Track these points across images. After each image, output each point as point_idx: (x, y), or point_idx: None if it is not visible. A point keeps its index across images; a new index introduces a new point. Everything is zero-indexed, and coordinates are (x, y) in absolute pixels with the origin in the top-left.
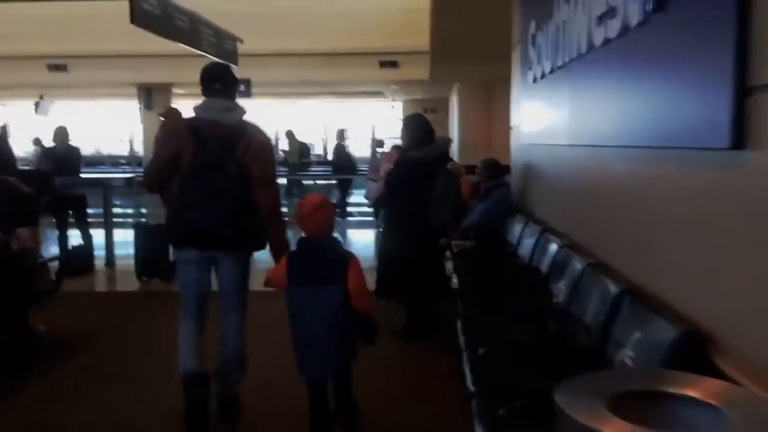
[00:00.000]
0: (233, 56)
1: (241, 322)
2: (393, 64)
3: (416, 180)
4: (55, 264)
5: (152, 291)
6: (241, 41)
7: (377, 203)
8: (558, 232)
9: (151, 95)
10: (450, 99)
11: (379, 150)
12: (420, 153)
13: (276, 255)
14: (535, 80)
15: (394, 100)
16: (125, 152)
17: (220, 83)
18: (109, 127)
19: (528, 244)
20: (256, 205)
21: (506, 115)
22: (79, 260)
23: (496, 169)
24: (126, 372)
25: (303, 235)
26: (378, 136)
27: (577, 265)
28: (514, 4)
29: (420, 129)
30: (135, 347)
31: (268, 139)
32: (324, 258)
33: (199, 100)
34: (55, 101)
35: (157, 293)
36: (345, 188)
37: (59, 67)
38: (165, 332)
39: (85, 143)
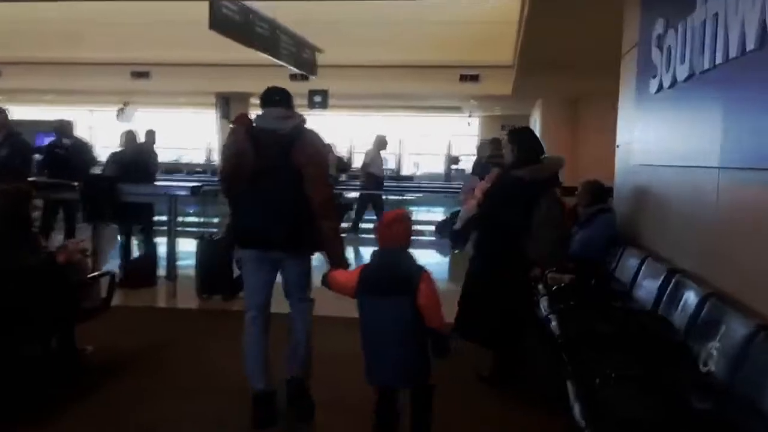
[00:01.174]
0: (312, 66)
1: (308, 310)
2: (474, 78)
3: (516, 203)
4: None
5: (211, 309)
6: (321, 51)
7: (469, 226)
8: (692, 275)
9: (229, 104)
10: (531, 116)
11: (453, 167)
12: (525, 172)
13: (329, 251)
14: (660, 89)
15: (471, 116)
16: (202, 161)
17: (278, 96)
18: (189, 136)
19: (649, 286)
20: (310, 205)
21: (592, 133)
22: (140, 272)
23: (600, 192)
24: (174, 394)
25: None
26: (453, 153)
27: (738, 327)
28: (630, 2)
29: (528, 145)
30: (187, 369)
31: (322, 142)
32: (393, 269)
33: None
34: (138, 108)
35: (215, 312)
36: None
37: (142, 75)
38: (220, 354)
39: (165, 151)
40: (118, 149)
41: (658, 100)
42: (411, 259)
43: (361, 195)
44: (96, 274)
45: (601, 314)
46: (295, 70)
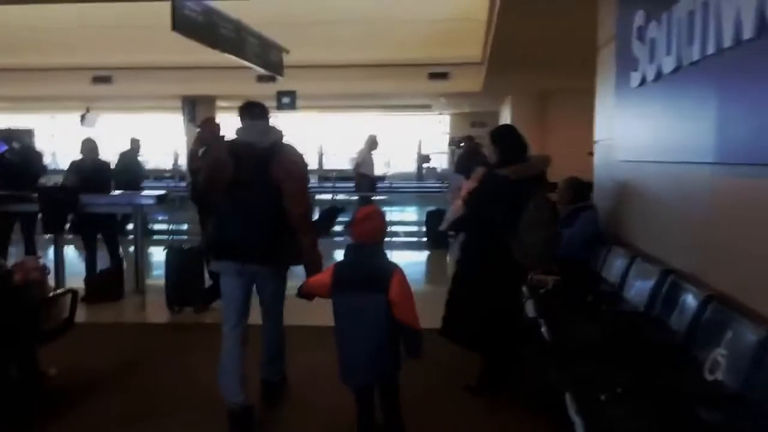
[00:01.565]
0: (279, 67)
1: (280, 320)
2: (443, 76)
3: (502, 203)
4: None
5: (182, 324)
6: (287, 52)
7: (455, 226)
8: (686, 275)
9: (195, 108)
10: (500, 112)
11: (424, 165)
12: (510, 172)
13: (307, 264)
14: (643, 83)
15: (441, 114)
16: (170, 166)
17: (258, 109)
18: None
19: (641, 287)
20: (289, 221)
21: (563, 130)
22: (105, 287)
23: (582, 189)
24: (146, 417)
25: (351, 242)
26: (424, 151)
27: (747, 333)
28: None
29: (511, 143)
30: (159, 389)
31: (300, 158)
32: (367, 266)
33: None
34: (101, 114)
35: (187, 326)
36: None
37: (104, 79)
38: (194, 371)
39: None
40: (78, 158)
41: (641, 94)
42: (383, 256)
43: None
44: (57, 292)
45: (592, 318)
46: (262, 72)
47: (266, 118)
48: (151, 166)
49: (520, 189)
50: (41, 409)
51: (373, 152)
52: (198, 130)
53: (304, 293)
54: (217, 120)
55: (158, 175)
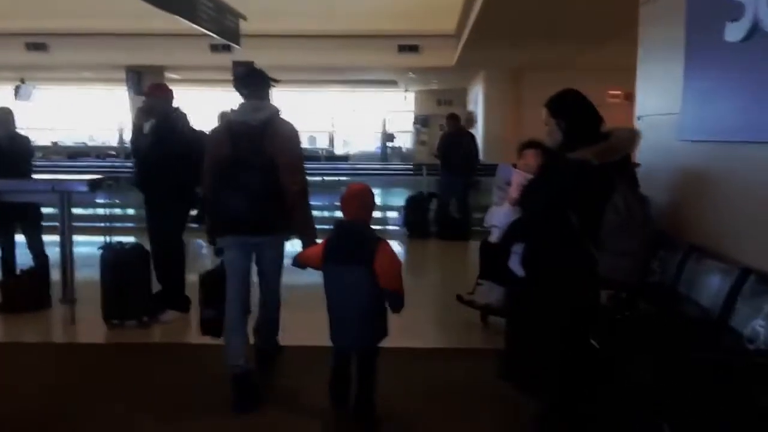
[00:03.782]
0: (235, 35)
1: (277, 290)
2: (413, 49)
3: (577, 200)
4: None
5: (124, 344)
6: (245, 18)
7: (512, 236)
8: None
9: (141, 79)
10: (470, 90)
11: (389, 144)
12: (593, 155)
13: (302, 236)
14: (750, 35)
15: (407, 91)
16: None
17: (246, 89)
18: (99, 115)
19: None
20: (285, 192)
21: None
22: (26, 292)
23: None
24: None
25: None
26: (389, 130)
27: None
28: None
29: (586, 113)
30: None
31: (293, 131)
32: (355, 239)
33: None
34: (37, 86)
35: (130, 347)
36: None
37: (38, 46)
38: (135, 408)
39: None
40: None
41: (744, 52)
42: (370, 230)
43: None
44: None
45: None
46: (216, 39)
47: (259, 94)
48: (96, 143)
49: (604, 178)
50: None
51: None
52: (144, 98)
53: (299, 263)
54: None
55: (100, 153)
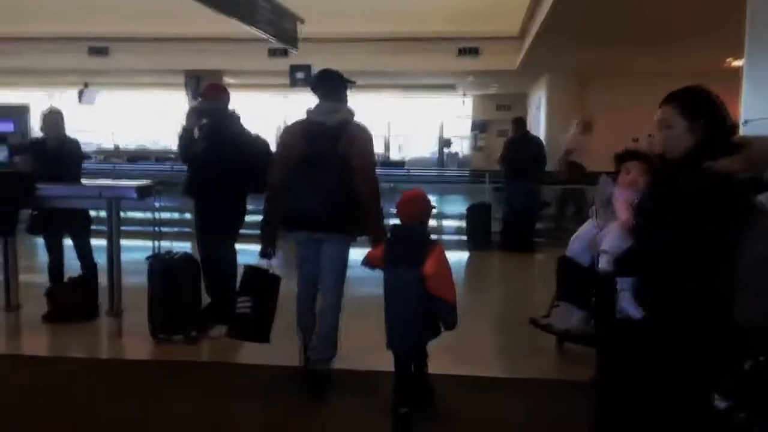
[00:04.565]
0: (292, 39)
1: (335, 294)
2: (473, 51)
3: (710, 223)
4: None
5: (169, 361)
6: (302, 21)
7: (626, 266)
8: None
9: (200, 84)
10: (531, 94)
11: (446, 150)
12: (729, 165)
13: (374, 240)
14: None
15: (465, 95)
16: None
17: (320, 90)
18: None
19: None
20: (356, 194)
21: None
22: (72, 302)
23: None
24: None
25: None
26: (446, 135)
27: None
28: None
29: (725, 115)
30: None
31: (368, 137)
32: (409, 242)
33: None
34: (101, 90)
35: (178, 365)
36: None
37: (100, 51)
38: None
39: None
40: (38, 136)
41: None
42: (425, 234)
43: None
44: None
45: None
46: (273, 44)
47: (335, 96)
48: (156, 147)
49: (740, 197)
50: None
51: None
52: (200, 98)
53: (366, 263)
54: (225, 87)
55: (160, 157)
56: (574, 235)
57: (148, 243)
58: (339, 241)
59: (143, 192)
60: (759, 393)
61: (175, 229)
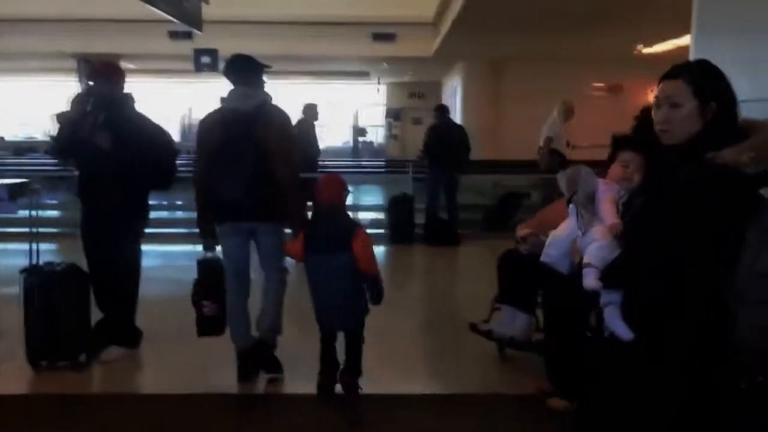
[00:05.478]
0: (196, 20)
1: (277, 274)
2: (389, 38)
3: (720, 230)
4: None
5: (53, 395)
6: (207, 2)
7: (615, 277)
8: None
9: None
10: (445, 83)
11: (361, 139)
12: (740, 157)
13: (294, 226)
14: None
15: (380, 83)
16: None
17: (234, 75)
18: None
19: None
20: (276, 176)
21: (517, 97)
22: None
23: None
24: None
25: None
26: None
27: None
28: None
29: (733, 96)
30: None
31: (286, 119)
32: (332, 228)
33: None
34: None
35: (63, 399)
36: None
37: None
38: None
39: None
40: None
41: None
42: (347, 216)
43: None
44: None
45: None
46: (175, 24)
47: (250, 81)
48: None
49: (751, 194)
50: None
51: (567, 123)
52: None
53: (287, 254)
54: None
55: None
56: (549, 237)
57: (21, 246)
58: (272, 229)
59: (14, 192)
60: (757, 416)
61: (56, 230)
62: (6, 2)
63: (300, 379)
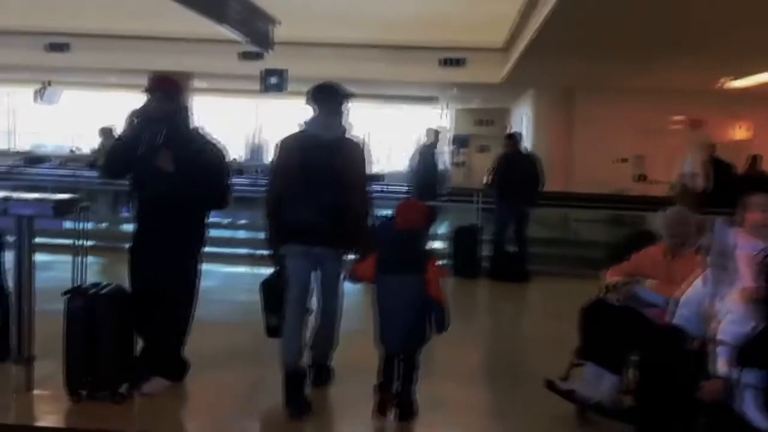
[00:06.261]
0: (266, 40)
1: (336, 300)
2: (458, 63)
3: None
4: None
5: (91, 430)
6: (277, 23)
7: (747, 360)
8: None
9: None
10: (514, 109)
11: None
12: None
13: (361, 252)
14: None
15: (446, 109)
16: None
17: (318, 103)
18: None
19: None
20: (350, 208)
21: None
22: None
23: None
24: None
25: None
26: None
27: None
28: None
29: None
30: None
31: (362, 152)
32: (409, 251)
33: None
34: (63, 89)
35: None
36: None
37: (60, 47)
38: None
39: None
40: None
41: None
42: (423, 243)
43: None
44: None
45: None
46: (245, 46)
47: (334, 110)
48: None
49: None
50: None
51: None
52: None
53: (354, 276)
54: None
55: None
56: (682, 297)
57: (68, 258)
58: (338, 257)
59: (61, 208)
60: None
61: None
62: (83, 18)
63: None
